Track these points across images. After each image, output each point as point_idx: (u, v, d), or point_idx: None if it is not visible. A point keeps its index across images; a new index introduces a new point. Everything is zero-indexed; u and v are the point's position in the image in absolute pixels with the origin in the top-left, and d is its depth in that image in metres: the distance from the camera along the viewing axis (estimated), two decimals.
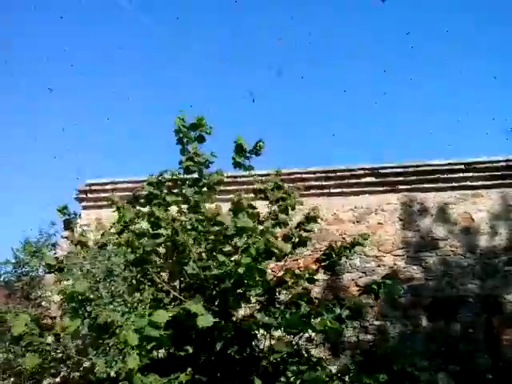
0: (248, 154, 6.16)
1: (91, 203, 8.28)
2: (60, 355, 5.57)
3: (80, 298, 4.73)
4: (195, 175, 6.64)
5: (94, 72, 22.91)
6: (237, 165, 6.20)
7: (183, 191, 6.41)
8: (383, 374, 5.02)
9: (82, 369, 5.81)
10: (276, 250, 5.16)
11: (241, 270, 4.74)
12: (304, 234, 5.85)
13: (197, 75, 22.86)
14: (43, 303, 6.91)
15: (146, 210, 6.03)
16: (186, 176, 6.61)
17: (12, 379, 5.90)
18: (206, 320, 4.54)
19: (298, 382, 4.55)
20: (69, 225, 6.33)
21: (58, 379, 5.94)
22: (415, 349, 6.90)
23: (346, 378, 5.58)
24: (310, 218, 5.77)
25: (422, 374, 6.63)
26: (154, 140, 22.67)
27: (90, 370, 5.46)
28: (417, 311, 7.17)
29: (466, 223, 7.62)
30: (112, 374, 4.27)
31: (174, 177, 6.59)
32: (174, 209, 6.57)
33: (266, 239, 5.02)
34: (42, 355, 5.17)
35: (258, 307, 5.97)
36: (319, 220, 7.62)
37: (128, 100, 22.87)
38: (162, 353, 5.80)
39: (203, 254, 6.01)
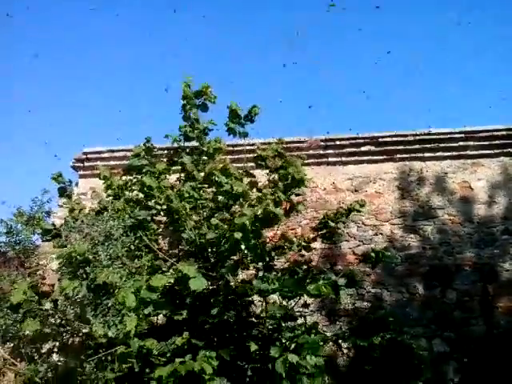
0: (242, 121, 6.09)
1: (88, 172, 8.23)
2: (58, 321, 5.63)
3: (79, 258, 4.75)
4: (194, 143, 6.62)
5: (96, 38, 22.42)
6: (231, 131, 6.15)
7: (181, 160, 6.38)
8: (378, 338, 5.07)
9: (81, 335, 5.89)
10: (274, 216, 5.12)
11: (237, 235, 4.73)
12: (294, 199, 5.83)
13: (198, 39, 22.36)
14: (39, 271, 6.94)
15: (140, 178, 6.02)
16: (184, 144, 6.58)
17: (12, 345, 5.96)
18: (198, 283, 4.55)
19: (293, 345, 4.59)
20: (63, 192, 6.30)
21: (57, 344, 6.01)
22: (411, 316, 6.96)
23: (341, 342, 5.67)
24: (299, 181, 5.68)
25: (417, 340, 6.76)
26: (156, 108, 22.38)
27: (89, 335, 5.54)
28: (413, 279, 7.21)
29: (465, 192, 7.59)
30: (110, 334, 4.30)
31: (175, 143, 6.56)
32: (173, 177, 6.56)
33: (264, 205, 4.99)
34: (41, 321, 5.22)
35: (254, 273, 6.02)
36: (317, 188, 7.68)
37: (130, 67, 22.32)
38: (159, 319, 5.87)
39: (200, 222, 6.03)
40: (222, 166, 5.64)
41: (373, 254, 5.42)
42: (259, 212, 4.91)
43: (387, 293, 7.17)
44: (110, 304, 4.54)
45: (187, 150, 6.54)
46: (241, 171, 6.10)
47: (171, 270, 5.71)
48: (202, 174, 6.32)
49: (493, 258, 7.17)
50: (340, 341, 5.66)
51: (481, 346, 6.76)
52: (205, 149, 6.32)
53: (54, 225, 6.23)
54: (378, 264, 5.60)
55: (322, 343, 5.00)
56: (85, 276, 4.76)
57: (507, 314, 6.89)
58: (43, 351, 5.97)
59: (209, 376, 4.51)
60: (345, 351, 6.78)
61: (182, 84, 6.35)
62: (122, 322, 4.35)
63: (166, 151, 7.30)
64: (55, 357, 6.13)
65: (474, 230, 7.37)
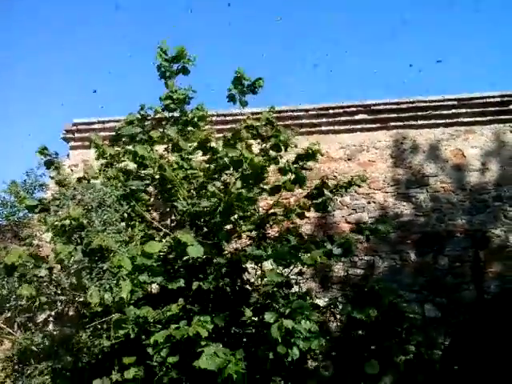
0: (245, 90, 6.00)
1: (79, 143, 8.14)
2: (54, 289, 5.65)
3: (74, 223, 4.73)
4: (177, 114, 6.51)
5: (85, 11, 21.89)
6: (231, 98, 6.05)
7: (166, 131, 6.29)
8: (372, 309, 5.15)
9: (76, 304, 5.92)
10: (262, 171, 5.09)
11: (229, 198, 4.72)
12: (301, 172, 5.80)
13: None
14: (34, 242, 6.93)
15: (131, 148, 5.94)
16: (168, 114, 6.48)
17: (8, 315, 5.99)
18: (196, 250, 4.56)
19: (288, 311, 4.64)
20: (50, 165, 6.22)
21: (52, 314, 6.05)
22: (403, 282, 7.06)
23: (336, 311, 5.75)
24: (309, 155, 5.66)
25: (409, 305, 6.87)
26: (143, 77, 22.01)
27: (84, 304, 5.57)
28: (406, 246, 7.29)
29: (458, 160, 7.61)
30: (106, 297, 4.32)
31: (159, 115, 6.46)
32: (161, 147, 6.49)
33: (251, 161, 4.95)
34: (36, 287, 5.23)
35: (248, 242, 6.04)
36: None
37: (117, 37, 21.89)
38: (154, 288, 5.91)
39: (193, 192, 6.00)
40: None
41: (367, 230, 5.45)
42: (248, 168, 4.88)
43: (380, 260, 7.25)
44: (105, 268, 4.54)
45: (171, 121, 6.44)
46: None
47: (167, 238, 5.73)
48: (190, 143, 6.26)
49: (484, 225, 7.24)
50: (334, 310, 5.74)
51: (471, 310, 6.88)
52: (188, 118, 6.22)
53: (40, 200, 6.16)
54: (371, 236, 5.65)
55: (315, 309, 5.07)
56: (79, 241, 4.75)
57: (498, 279, 7.01)
58: (39, 321, 6.03)
59: (204, 341, 4.56)
60: (338, 317, 6.88)
61: (157, 50, 6.17)
62: (118, 286, 4.35)
63: (150, 122, 7.16)
64: (51, 326, 6.19)
65: (466, 197, 7.41)
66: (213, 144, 5.82)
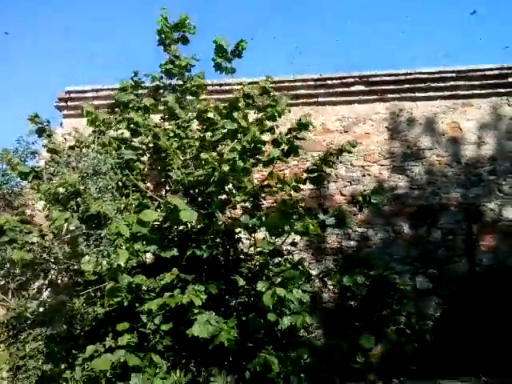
0: (230, 55, 5.89)
1: (72, 111, 8.01)
2: (47, 257, 5.65)
3: (70, 190, 4.70)
4: (176, 82, 6.41)
5: None
6: (217, 66, 5.95)
7: (164, 98, 6.21)
8: (361, 276, 5.18)
9: (70, 273, 5.94)
10: (261, 145, 5.05)
11: (225, 168, 4.68)
12: (295, 142, 5.76)
13: None
14: (27, 211, 6.90)
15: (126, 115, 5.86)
16: (166, 82, 6.39)
17: (2, 282, 6.01)
18: (189, 215, 4.54)
19: (279, 279, 4.66)
20: (42, 133, 6.13)
21: (46, 282, 6.07)
22: (396, 254, 7.10)
23: (327, 280, 5.78)
24: (302, 125, 5.62)
25: (401, 277, 6.94)
26: (140, 46, 21.60)
27: (78, 272, 5.58)
28: (400, 219, 7.30)
29: (454, 133, 7.56)
30: (104, 263, 4.33)
31: (156, 82, 6.36)
32: (156, 117, 6.42)
33: (251, 134, 4.91)
34: (29, 252, 5.22)
35: (242, 213, 6.02)
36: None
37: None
38: (148, 258, 5.92)
39: (187, 161, 5.96)
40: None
41: (360, 198, 5.43)
42: (245, 140, 4.84)
43: (373, 232, 7.28)
44: (103, 234, 4.54)
45: (169, 89, 6.36)
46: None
47: (161, 206, 5.72)
48: (187, 113, 6.19)
49: (478, 198, 7.25)
50: (326, 278, 5.76)
51: (463, 283, 6.95)
52: (188, 86, 6.13)
53: (33, 168, 6.10)
54: (366, 206, 5.62)
55: (307, 278, 5.10)
56: (75, 208, 4.73)
57: (490, 253, 7.06)
58: (33, 288, 6.06)
59: (197, 309, 4.59)
60: (330, 288, 6.95)
61: (158, 17, 6.05)
62: (115, 253, 4.34)
63: (147, 90, 7.07)
64: (45, 294, 6.22)
65: (461, 170, 7.40)
66: (210, 115, 5.75)
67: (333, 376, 4.94)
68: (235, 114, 5.17)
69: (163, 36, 6.15)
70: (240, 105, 5.38)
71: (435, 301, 6.93)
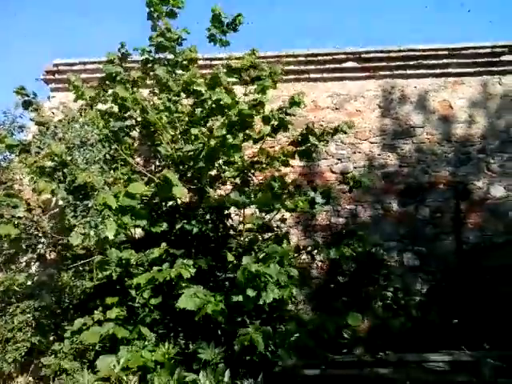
0: (225, 28, 5.79)
1: (60, 85, 7.88)
2: (35, 232, 5.62)
3: (56, 160, 4.64)
4: (167, 56, 6.31)
5: None
6: (212, 38, 5.85)
7: (154, 71, 6.12)
8: (347, 248, 5.21)
9: (58, 247, 5.92)
10: (248, 119, 4.99)
11: (213, 142, 4.64)
12: (286, 118, 5.72)
13: None
14: (15, 186, 6.83)
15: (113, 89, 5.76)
16: (156, 55, 6.28)
17: None
18: (180, 190, 4.53)
19: (262, 255, 4.66)
20: (28, 106, 6.03)
21: (34, 256, 6.05)
22: (384, 231, 7.15)
23: (315, 254, 5.81)
24: (294, 102, 5.57)
25: (389, 253, 7.01)
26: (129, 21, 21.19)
27: (66, 246, 5.57)
28: (389, 196, 7.33)
29: (445, 111, 7.56)
30: (92, 234, 4.30)
31: (146, 55, 6.26)
32: (145, 92, 6.33)
33: (238, 109, 4.86)
34: (16, 227, 5.19)
35: (232, 189, 6.01)
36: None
37: None
38: (137, 233, 5.91)
39: (177, 136, 5.91)
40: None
41: (350, 180, 5.44)
42: (232, 113, 4.79)
43: (362, 209, 7.31)
44: (90, 205, 4.50)
45: (160, 62, 6.26)
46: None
47: (151, 181, 5.69)
48: (178, 85, 6.11)
49: (467, 176, 7.29)
50: (314, 252, 5.78)
51: (450, 259, 7.04)
52: (179, 59, 6.04)
53: (20, 141, 6.01)
54: (355, 187, 5.66)
55: (292, 253, 5.11)
56: (62, 179, 4.68)
57: (476, 230, 7.13)
58: (21, 263, 6.03)
59: (185, 283, 4.61)
60: (319, 264, 7.01)
61: None
62: (103, 224, 4.32)
63: (135, 64, 6.94)
64: (34, 268, 6.21)
65: (450, 148, 7.42)
66: (199, 88, 5.67)
67: (320, 349, 5.01)
68: (217, 89, 5.11)
69: (152, 9, 6.02)
70: (223, 78, 5.31)
71: (422, 277, 7.01)
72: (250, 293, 4.36)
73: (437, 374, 5.02)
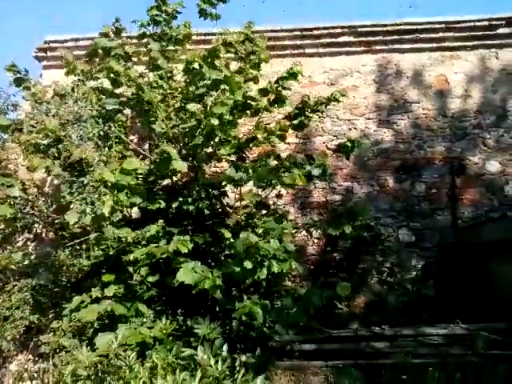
0: (214, 1, 5.69)
1: (52, 62, 7.74)
2: (31, 211, 5.60)
3: (50, 136, 4.59)
4: (164, 30, 6.20)
5: None
6: (202, 13, 5.75)
7: (148, 47, 6.03)
8: (347, 226, 5.21)
9: (55, 226, 5.90)
10: (252, 103, 4.95)
11: (214, 121, 4.59)
12: (282, 92, 5.67)
13: None
14: (10, 166, 6.77)
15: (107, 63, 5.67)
16: (152, 30, 6.19)
17: None
18: (180, 164, 4.50)
19: (261, 230, 4.67)
20: (20, 83, 5.93)
21: (31, 235, 6.04)
22: (380, 207, 7.17)
23: (313, 231, 5.83)
24: (292, 74, 5.51)
25: (385, 229, 7.04)
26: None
27: (62, 225, 5.55)
28: (384, 173, 7.32)
29: (441, 86, 7.51)
30: (88, 211, 4.27)
31: (143, 29, 6.16)
32: (140, 68, 6.24)
33: (243, 91, 4.81)
34: (12, 208, 5.16)
35: (228, 166, 5.98)
36: (293, 82, 7.43)
37: None
38: (134, 213, 5.89)
39: (171, 114, 5.85)
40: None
41: (348, 143, 5.38)
42: (239, 98, 4.73)
43: (358, 186, 7.31)
44: (86, 181, 4.47)
45: (155, 37, 6.17)
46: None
47: (146, 159, 5.64)
48: (172, 64, 6.03)
49: (463, 152, 7.28)
50: (311, 229, 5.80)
51: (445, 235, 7.08)
52: (173, 34, 5.94)
53: (13, 120, 5.93)
54: (352, 152, 5.58)
55: (290, 229, 5.11)
56: (57, 155, 4.63)
57: (472, 206, 7.15)
58: (18, 241, 6.03)
59: (183, 258, 4.62)
60: (315, 241, 7.03)
61: None
62: (99, 200, 4.29)
63: (133, 40, 6.83)
64: (31, 247, 6.20)
65: (447, 124, 7.39)
66: (195, 65, 5.59)
67: (315, 323, 5.06)
68: (217, 63, 5.03)
69: None
70: (220, 53, 5.24)
71: (417, 253, 7.06)
72: (248, 265, 4.37)
73: (432, 347, 5.09)
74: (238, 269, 4.38)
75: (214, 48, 5.08)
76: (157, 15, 5.83)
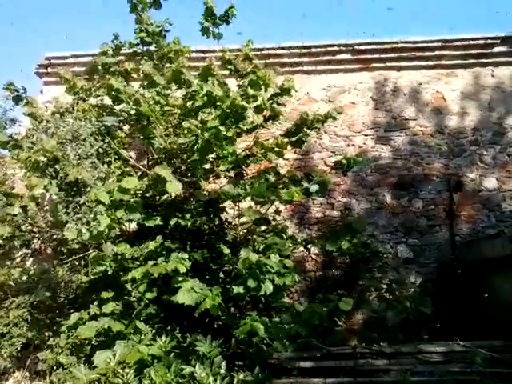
0: (218, 21, 5.76)
1: (52, 78, 7.80)
2: (29, 227, 5.60)
3: (48, 156, 4.61)
4: (152, 48, 6.26)
5: None
6: (205, 31, 5.81)
7: (141, 66, 6.08)
8: (345, 241, 5.22)
9: (53, 242, 5.90)
10: (242, 111, 4.98)
11: (207, 135, 4.62)
12: (277, 108, 5.72)
13: None
14: (8, 182, 6.78)
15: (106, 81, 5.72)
16: (143, 49, 6.25)
17: None
18: (174, 186, 4.51)
19: (262, 246, 4.68)
20: (19, 100, 5.98)
21: (29, 251, 6.03)
22: (378, 224, 7.19)
23: (310, 247, 5.83)
24: (284, 90, 5.58)
25: (383, 245, 7.05)
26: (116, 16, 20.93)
27: (61, 241, 5.55)
28: (382, 189, 7.36)
29: (438, 103, 7.59)
30: (84, 231, 4.28)
31: (134, 48, 6.22)
32: (137, 84, 6.31)
33: (231, 100, 4.84)
34: (10, 225, 5.16)
35: (227, 183, 6.01)
36: (291, 99, 7.50)
37: None
38: (132, 228, 5.89)
39: (170, 129, 5.89)
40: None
41: (344, 161, 5.41)
42: (226, 105, 4.77)
43: (356, 202, 7.34)
44: (82, 202, 4.49)
45: (147, 55, 6.22)
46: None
47: (146, 177, 5.66)
48: (166, 78, 6.07)
49: (460, 168, 7.34)
50: (309, 245, 5.80)
51: (443, 251, 7.09)
52: (165, 51, 6.01)
53: (11, 136, 5.95)
54: (349, 170, 5.60)
55: (290, 245, 5.12)
56: (54, 174, 4.65)
57: (469, 222, 7.19)
58: (16, 258, 6.01)
59: (182, 276, 4.61)
60: (313, 257, 7.04)
61: None
62: (95, 220, 4.30)
63: (124, 58, 6.88)
64: (29, 263, 6.19)
65: (444, 140, 7.46)
66: (187, 78, 5.62)
67: (314, 340, 5.04)
68: (210, 81, 5.09)
69: (135, 1, 5.95)
70: (216, 70, 5.30)
71: (416, 269, 7.07)
72: (251, 283, 4.38)
73: (431, 364, 5.07)
74: (241, 289, 4.38)
75: (208, 66, 5.14)
76: (145, 37, 5.90)
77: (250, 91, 5.60)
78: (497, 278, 6.01)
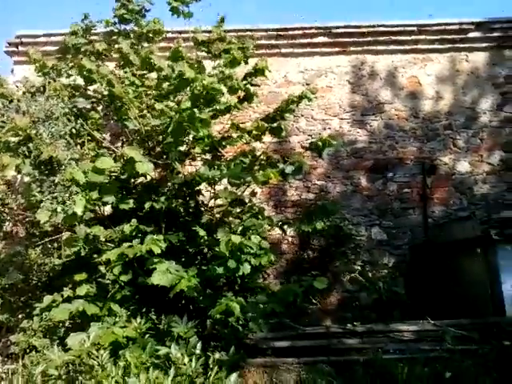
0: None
1: (23, 58, 7.55)
2: (1, 208, 5.49)
3: (20, 134, 4.49)
4: (133, 28, 6.14)
5: None
6: (174, 11, 5.69)
7: (118, 44, 5.96)
8: (319, 222, 5.27)
9: (25, 225, 5.80)
10: (213, 91, 4.92)
11: (179, 117, 4.57)
12: (251, 89, 5.67)
13: None
14: None
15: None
16: (121, 27, 6.12)
17: None
18: (145, 167, 4.46)
19: (240, 228, 4.70)
20: None
21: (1, 233, 5.92)
22: (353, 206, 7.28)
23: (286, 228, 5.87)
24: (258, 70, 5.53)
25: (358, 227, 7.15)
26: None
27: (34, 223, 5.45)
28: (358, 172, 7.44)
29: (413, 87, 7.66)
30: (59, 210, 4.20)
31: (110, 27, 6.08)
32: (112, 64, 6.18)
33: (201, 80, 4.79)
34: None
35: (201, 164, 5.97)
36: (268, 81, 7.46)
37: None
38: (106, 210, 5.82)
39: (144, 111, 5.80)
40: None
41: (319, 142, 5.41)
42: (197, 87, 4.71)
43: (332, 185, 7.40)
44: (56, 181, 4.40)
45: (124, 35, 6.09)
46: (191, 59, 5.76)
47: (118, 157, 5.58)
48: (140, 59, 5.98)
49: (434, 152, 7.46)
50: (285, 226, 5.83)
51: (416, 234, 7.23)
52: (144, 31, 5.89)
53: None
54: (323, 151, 5.59)
55: (267, 226, 5.14)
56: (27, 154, 4.54)
57: (442, 205, 7.34)
58: None
59: (157, 258, 4.59)
60: (289, 239, 7.10)
61: None
62: (71, 200, 4.23)
63: (99, 37, 6.71)
64: (0, 246, 6.08)
65: (418, 125, 7.55)
66: (157, 62, 5.52)
67: (289, 319, 5.11)
68: (180, 63, 5.02)
69: None
70: (185, 52, 5.22)
71: (389, 251, 7.20)
72: (231, 264, 4.39)
73: (403, 342, 5.19)
74: (221, 269, 4.40)
75: (176, 48, 5.06)
76: (124, 14, 5.78)
77: (226, 71, 5.56)
78: (467, 259, 6.17)
